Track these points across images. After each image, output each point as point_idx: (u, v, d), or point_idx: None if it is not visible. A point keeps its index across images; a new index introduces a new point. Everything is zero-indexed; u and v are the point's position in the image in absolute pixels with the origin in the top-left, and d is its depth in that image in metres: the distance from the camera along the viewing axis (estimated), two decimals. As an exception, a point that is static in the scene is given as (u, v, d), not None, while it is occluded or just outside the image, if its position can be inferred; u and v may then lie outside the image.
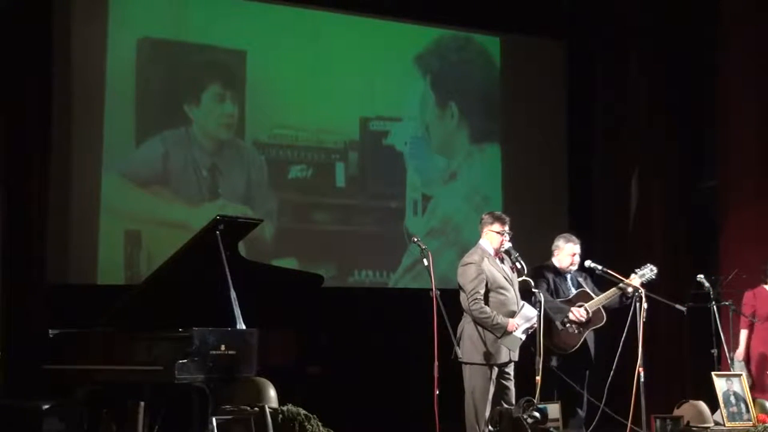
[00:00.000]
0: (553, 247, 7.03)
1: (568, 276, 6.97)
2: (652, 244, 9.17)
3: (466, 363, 6.36)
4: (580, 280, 6.97)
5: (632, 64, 9.47)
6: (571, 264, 6.94)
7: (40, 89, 7.49)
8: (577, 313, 6.74)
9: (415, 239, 6.57)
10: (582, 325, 6.79)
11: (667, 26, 9.38)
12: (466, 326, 6.39)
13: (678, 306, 7.04)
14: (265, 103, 8.44)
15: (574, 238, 7.02)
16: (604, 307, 6.85)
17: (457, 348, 6.34)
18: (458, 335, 6.39)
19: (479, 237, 6.62)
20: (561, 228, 9.27)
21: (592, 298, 6.84)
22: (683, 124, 9.45)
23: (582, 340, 6.80)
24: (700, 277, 7.62)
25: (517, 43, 9.62)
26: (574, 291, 6.90)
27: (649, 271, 6.92)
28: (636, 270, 6.91)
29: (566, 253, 6.95)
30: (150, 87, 8.03)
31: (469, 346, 6.34)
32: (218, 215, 5.99)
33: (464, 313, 6.42)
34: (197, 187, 8.14)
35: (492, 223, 6.57)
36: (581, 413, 6.86)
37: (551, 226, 9.27)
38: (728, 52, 8.94)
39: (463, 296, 6.41)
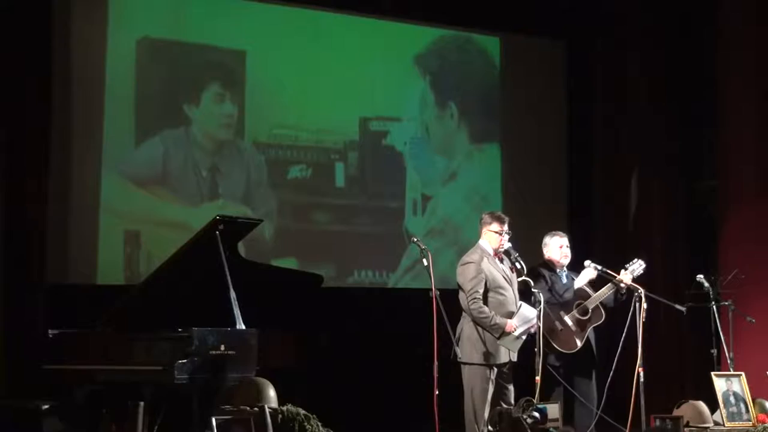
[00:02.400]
0: (542, 246, 7.07)
1: (563, 273, 6.98)
2: (652, 244, 9.17)
3: (465, 363, 6.37)
4: (575, 276, 6.98)
5: (632, 64, 9.47)
6: (563, 257, 6.96)
7: (40, 89, 7.49)
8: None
9: (415, 239, 6.58)
10: (581, 324, 6.80)
11: (667, 26, 9.38)
12: (465, 326, 6.40)
13: (678, 306, 7.04)
14: (264, 103, 8.44)
15: (559, 232, 7.10)
16: (602, 304, 6.85)
17: (456, 348, 6.34)
18: (457, 335, 6.39)
19: (479, 237, 6.63)
20: (561, 228, 9.29)
21: (590, 296, 6.85)
22: (683, 124, 9.45)
23: (584, 339, 6.79)
24: (700, 277, 7.63)
25: (517, 43, 9.62)
26: (568, 287, 6.88)
27: (638, 266, 6.96)
28: (626, 266, 6.94)
29: (553, 247, 7.00)
30: (150, 87, 8.03)
31: (468, 346, 6.35)
32: (218, 215, 6.00)
33: (463, 313, 6.43)
34: (197, 187, 8.13)
35: (491, 223, 6.57)
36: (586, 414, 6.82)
37: (551, 226, 9.23)
38: (728, 52, 8.94)
39: (462, 295, 6.42)
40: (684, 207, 9.44)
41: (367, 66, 8.87)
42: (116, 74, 7.87)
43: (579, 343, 6.78)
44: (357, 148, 8.83)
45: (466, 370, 6.39)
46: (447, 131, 9.23)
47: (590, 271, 6.89)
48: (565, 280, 6.95)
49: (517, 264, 6.59)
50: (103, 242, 7.74)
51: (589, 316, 6.80)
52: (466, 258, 6.51)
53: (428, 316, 6.12)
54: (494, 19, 9.33)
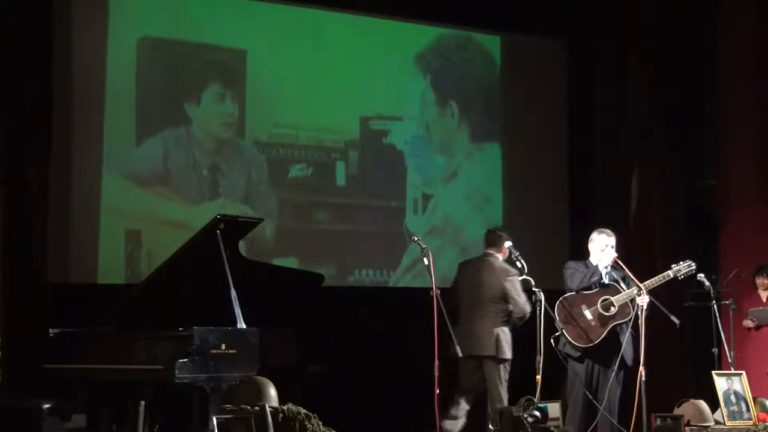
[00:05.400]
0: (588, 241, 6.98)
1: (604, 272, 6.82)
2: (652, 244, 9.17)
3: (504, 360, 6.89)
4: (616, 275, 6.82)
5: (632, 64, 9.47)
6: (604, 255, 6.83)
7: (40, 89, 7.48)
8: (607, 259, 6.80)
9: (416, 238, 6.60)
10: (603, 320, 6.72)
11: (667, 26, 9.38)
12: (501, 329, 6.93)
13: (673, 318, 6.92)
14: (265, 102, 8.44)
15: (607, 230, 6.94)
16: (633, 303, 6.73)
17: (457, 347, 6.36)
18: (493, 338, 6.84)
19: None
20: (561, 227, 9.31)
21: (620, 293, 6.75)
22: (683, 124, 9.46)
23: (603, 335, 6.70)
24: (701, 276, 7.61)
25: (518, 43, 9.62)
26: (593, 271, 6.79)
27: (686, 267, 6.82)
28: (672, 265, 6.83)
29: (598, 244, 6.86)
30: (150, 86, 8.03)
31: (506, 346, 6.91)
32: (218, 214, 5.99)
33: (492, 316, 6.92)
34: (197, 187, 8.13)
35: (507, 240, 7.00)
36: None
37: (551, 225, 9.31)
38: (728, 52, 8.95)
39: (522, 300, 6.86)
40: (684, 207, 9.43)
41: (367, 65, 8.87)
42: (117, 74, 7.86)
43: (596, 338, 6.68)
44: (357, 147, 8.83)
45: (502, 368, 6.90)
46: (447, 130, 9.23)
47: (611, 252, 6.78)
48: (605, 279, 6.79)
49: (518, 263, 6.59)
50: (103, 241, 7.74)
51: (613, 312, 6.71)
52: (509, 271, 6.98)
53: (429, 315, 6.12)
54: (495, 18, 9.33)
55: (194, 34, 8.20)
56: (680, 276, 6.81)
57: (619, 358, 6.67)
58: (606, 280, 6.80)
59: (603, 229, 6.96)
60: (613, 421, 6.68)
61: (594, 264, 6.85)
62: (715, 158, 9.16)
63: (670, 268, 6.80)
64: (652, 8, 9.40)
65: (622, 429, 6.69)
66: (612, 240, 6.87)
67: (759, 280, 8.22)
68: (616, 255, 6.76)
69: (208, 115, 8.20)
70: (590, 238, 6.95)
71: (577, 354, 6.70)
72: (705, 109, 9.30)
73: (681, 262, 6.84)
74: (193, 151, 8.13)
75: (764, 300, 8.25)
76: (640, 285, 6.63)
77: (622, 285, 6.76)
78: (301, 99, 8.55)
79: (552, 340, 6.62)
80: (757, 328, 8.07)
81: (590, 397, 6.66)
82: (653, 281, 6.69)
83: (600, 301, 6.72)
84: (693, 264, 6.84)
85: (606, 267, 6.82)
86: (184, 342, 5.51)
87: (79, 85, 7.72)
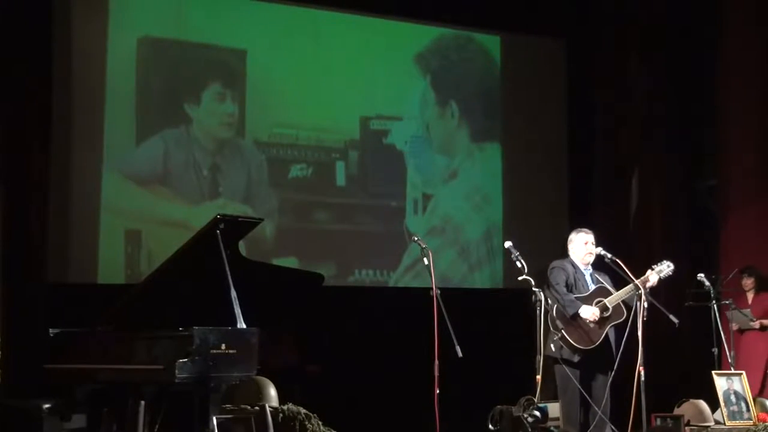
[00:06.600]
0: (567, 242, 6.98)
1: (587, 272, 6.86)
2: (652, 244, 9.17)
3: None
4: (599, 276, 6.83)
5: (632, 64, 9.47)
6: (587, 254, 6.84)
7: (40, 89, 7.49)
8: (589, 313, 6.67)
9: (416, 238, 6.59)
10: (600, 321, 6.71)
11: (667, 26, 9.38)
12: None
13: (671, 317, 6.92)
14: (265, 102, 8.45)
15: (584, 229, 6.95)
16: (624, 302, 6.74)
17: (457, 347, 6.35)
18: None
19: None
20: (561, 227, 9.30)
21: (611, 294, 6.75)
22: (683, 124, 9.46)
23: (602, 336, 6.70)
24: (701, 276, 7.62)
25: (518, 43, 9.63)
26: (593, 286, 6.82)
27: (666, 267, 6.82)
28: (653, 266, 6.84)
29: (578, 243, 6.86)
30: (150, 86, 8.04)
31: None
32: (218, 214, 5.97)
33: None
34: (197, 187, 8.14)
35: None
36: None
37: (551, 225, 9.31)
38: (728, 52, 8.95)
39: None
40: (684, 207, 9.44)
41: (367, 65, 8.88)
42: (117, 74, 7.87)
43: (596, 340, 6.68)
44: (357, 147, 8.83)
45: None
46: (447, 130, 9.24)
47: (592, 248, 6.76)
48: (589, 279, 6.84)
49: (518, 263, 6.57)
50: (103, 241, 7.75)
51: (609, 313, 6.71)
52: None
53: (429, 315, 6.12)
54: (495, 18, 9.34)
55: (194, 34, 8.21)
56: (662, 275, 6.80)
57: (617, 359, 6.67)
58: (593, 286, 6.79)
59: (580, 229, 6.98)
60: (609, 424, 6.68)
61: (576, 263, 6.87)
62: (715, 158, 9.16)
63: (652, 269, 6.80)
64: (652, 8, 9.41)
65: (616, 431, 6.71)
66: (590, 237, 6.87)
67: (743, 281, 8.22)
68: (609, 255, 6.74)
69: (208, 115, 8.21)
70: (569, 239, 6.96)
71: (576, 359, 6.65)
72: (705, 109, 9.30)
73: (660, 263, 6.84)
74: (193, 151, 8.13)
75: (749, 301, 8.23)
76: (638, 283, 6.62)
77: (608, 287, 6.78)
78: (301, 99, 8.56)
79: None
80: (741, 331, 8.07)
81: (587, 396, 6.66)
82: (627, 290, 6.71)
83: (594, 303, 6.73)
84: (671, 264, 6.83)
85: (587, 265, 6.82)
86: (184, 342, 5.49)
87: (79, 85, 7.73)
